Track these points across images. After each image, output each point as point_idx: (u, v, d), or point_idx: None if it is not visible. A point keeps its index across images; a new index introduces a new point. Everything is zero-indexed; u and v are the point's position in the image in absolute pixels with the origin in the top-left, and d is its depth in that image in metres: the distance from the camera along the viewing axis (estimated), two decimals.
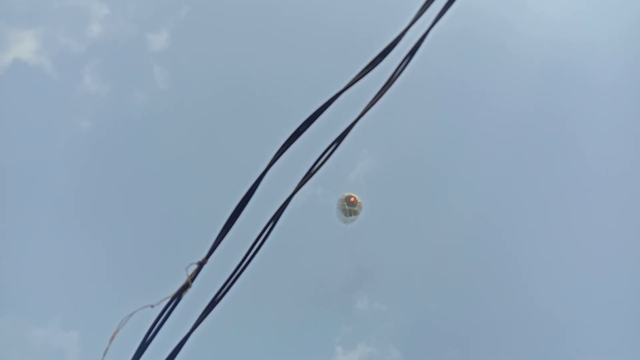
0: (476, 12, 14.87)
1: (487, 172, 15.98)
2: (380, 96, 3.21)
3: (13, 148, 14.57)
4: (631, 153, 15.09)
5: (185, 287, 2.77)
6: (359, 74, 3.13)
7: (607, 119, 15.08)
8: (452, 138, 15.95)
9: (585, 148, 15.51)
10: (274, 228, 3.14)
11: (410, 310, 15.61)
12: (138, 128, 15.41)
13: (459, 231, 16.00)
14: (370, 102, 3.19)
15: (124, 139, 15.29)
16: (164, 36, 15.64)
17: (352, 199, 10.48)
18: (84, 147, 14.96)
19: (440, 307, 15.61)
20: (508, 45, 15.68)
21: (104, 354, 2.26)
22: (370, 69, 3.12)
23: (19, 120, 14.69)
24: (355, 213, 10.75)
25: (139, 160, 15.09)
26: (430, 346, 15.29)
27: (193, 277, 2.85)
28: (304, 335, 15.00)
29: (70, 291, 13.76)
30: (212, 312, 3.05)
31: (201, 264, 2.89)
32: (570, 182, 15.58)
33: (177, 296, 2.76)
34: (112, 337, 2.06)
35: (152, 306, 2.22)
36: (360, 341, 14.92)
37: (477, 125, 15.74)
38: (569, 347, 14.62)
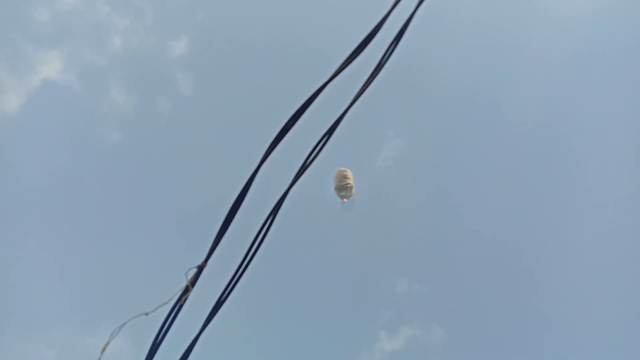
0: None
1: (523, 151, 15.61)
2: (369, 84, 3.17)
3: (47, 167, 14.97)
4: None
5: (186, 291, 2.80)
6: (344, 62, 3.11)
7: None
8: (479, 120, 15.66)
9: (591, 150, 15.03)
10: (274, 222, 3.16)
11: (450, 290, 15.47)
12: (165, 135, 15.65)
13: (496, 211, 15.73)
14: (359, 90, 3.16)
15: (152, 147, 15.55)
16: (183, 42, 15.82)
17: (344, 200, 10.58)
18: (116, 159, 15.27)
19: (480, 285, 15.43)
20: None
21: None
22: (355, 56, 3.09)
23: (52, 139, 15.08)
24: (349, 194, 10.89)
25: (162, 166, 15.32)
26: (475, 323, 15.14)
27: (193, 282, 2.87)
28: (345, 324, 15.04)
29: (74, 296, 14.01)
30: (218, 313, 3.09)
31: (201, 268, 2.91)
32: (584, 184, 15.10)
33: (179, 301, 2.80)
34: (104, 348, 2.09)
35: (146, 314, 2.25)
36: (403, 324, 14.85)
37: (507, 108, 15.37)
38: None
